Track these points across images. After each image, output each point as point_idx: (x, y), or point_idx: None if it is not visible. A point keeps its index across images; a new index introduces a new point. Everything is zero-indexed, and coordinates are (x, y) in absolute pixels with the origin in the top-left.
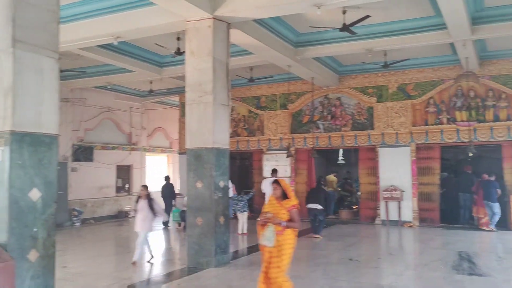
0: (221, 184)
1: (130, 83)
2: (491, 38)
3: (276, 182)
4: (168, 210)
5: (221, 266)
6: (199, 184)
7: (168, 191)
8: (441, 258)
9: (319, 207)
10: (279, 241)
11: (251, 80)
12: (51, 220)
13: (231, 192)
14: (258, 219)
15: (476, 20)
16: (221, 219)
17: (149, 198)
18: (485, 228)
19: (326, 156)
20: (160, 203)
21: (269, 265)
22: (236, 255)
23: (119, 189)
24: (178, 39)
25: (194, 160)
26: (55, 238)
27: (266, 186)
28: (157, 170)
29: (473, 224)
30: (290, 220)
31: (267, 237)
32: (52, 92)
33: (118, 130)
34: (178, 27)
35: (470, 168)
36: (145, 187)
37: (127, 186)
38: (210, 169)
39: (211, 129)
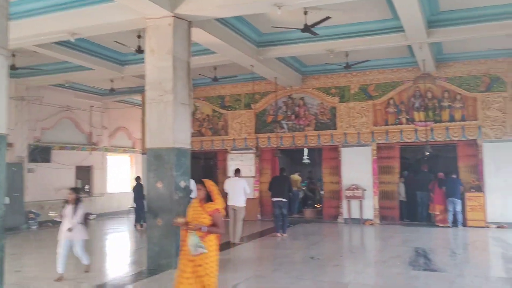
0: (182, 184)
1: (89, 81)
2: (446, 41)
3: (201, 182)
4: (138, 211)
5: None
6: (159, 185)
7: (138, 192)
8: (399, 255)
9: (283, 199)
10: None
11: (215, 79)
12: (0, 223)
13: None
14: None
15: (431, 23)
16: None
17: (77, 203)
18: (441, 225)
19: (291, 156)
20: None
21: (194, 275)
22: None
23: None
24: (139, 37)
25: (154, 160)
26: (5, 241)
27: (230, 186)
28: (119, 170)
29: (430, 221)
30: (213, 225)
31: (193, 244)
32: (1, 90)
33: (78, 130)
34: (137, 25)
35: (427, 167)
36: (74, 190)
37: (87, 187)
38: (170, 169)
39: (171, 128)
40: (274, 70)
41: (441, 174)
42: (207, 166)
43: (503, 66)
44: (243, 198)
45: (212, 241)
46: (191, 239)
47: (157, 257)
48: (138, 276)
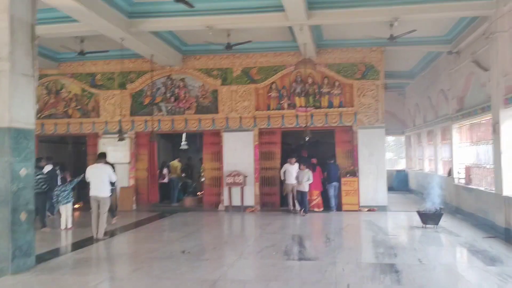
0: (23, 172)
1: None
2: (326, 26)
3: None
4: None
5: (22, 273)
6: None
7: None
8: (275, 244)
9: None
10: None
11: (82, 53)
12: None
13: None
14: None
15: (312, 5)
16: (23, 215)
17: None
18: (316, 209)
19: (172, 141)
20: None
21: None
22: (49, 256)
23: None
24: None
25: None
26: None
27: (92, 174)
28: None
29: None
30: None
31: None
32: None
33: None
34: None
35: (306, 152)
36: None
37: None
38: (5, 154)
39: (6, 104)
40: (149, 47)
41: (314, 160)
42: (76, 152)
43: (376, 55)
44: (108, 187)
45: None
46: None
47: None
48: None
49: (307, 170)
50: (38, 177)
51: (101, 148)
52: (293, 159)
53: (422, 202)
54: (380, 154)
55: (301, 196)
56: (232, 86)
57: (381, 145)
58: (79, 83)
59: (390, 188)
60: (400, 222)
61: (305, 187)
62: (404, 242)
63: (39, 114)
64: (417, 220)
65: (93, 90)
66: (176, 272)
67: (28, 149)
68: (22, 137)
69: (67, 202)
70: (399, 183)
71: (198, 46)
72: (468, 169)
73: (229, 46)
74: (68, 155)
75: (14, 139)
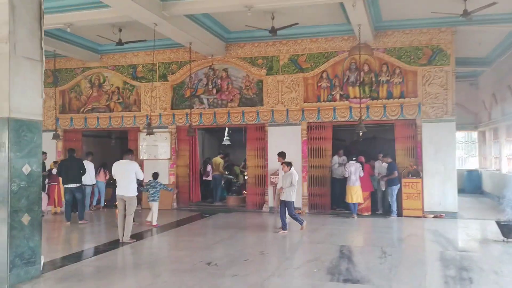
0: (26, 169)
1: None
2: (385, 3)
3: None
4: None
5: (22, 284)
6: None
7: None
8: (318, 257)
9: (76, 185)
10: None
11: (120, 43)
12: None
13: (91, 178)
14: None
15: None
16: (25, 219)
17: None
18: (365, 213)
19: (217, 136)
20: None
21: None
22: (63, 262)
23: None
24: None
25: None
26: None
27: (118, 171)
28: None
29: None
30: None
31: None
32: None
33: None
34: None
35: (355, 150)
36: None
37: None
38: (4, 148)
39: (6, 91)
40: (187, 33)
41: (361, 158)
42: (124, 147)
43: (446, 37)
44: (134, 186)
45: None
46: None
47: None
48: None
49: (290, 172)
50: None
51: (141, 143)
52: (281, 159)
53: (499, 207)
54: (450, 151)
55: (284, 208)
56: (278, 76)
57: (451, 141)
58: (121, 76)
59: (461, 191)
60: (474, 233)
61: (290, 196)
62: (481, 261)
63: (83, 108)
64: (494, 231)
65: (134, 83)
66: None
67: (34, 143)
68: (25, 130)
69: (153, 200)
70: (470, 185)
71: (242, 33)
72: None
73: (273, 30)
74: (111, 149)
75: (15, 131)
